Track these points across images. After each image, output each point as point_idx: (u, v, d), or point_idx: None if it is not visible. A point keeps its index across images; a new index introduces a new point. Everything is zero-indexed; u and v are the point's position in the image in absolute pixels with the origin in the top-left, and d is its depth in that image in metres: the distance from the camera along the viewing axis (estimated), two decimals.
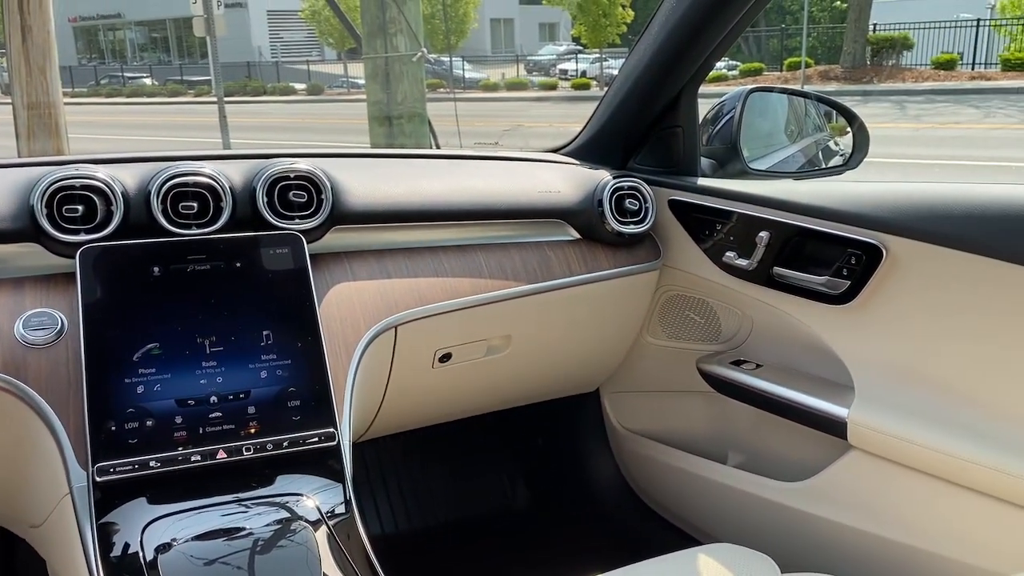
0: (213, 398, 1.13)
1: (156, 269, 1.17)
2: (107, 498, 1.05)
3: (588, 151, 1.76)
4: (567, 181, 1.62)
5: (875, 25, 22.98)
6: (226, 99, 10.79)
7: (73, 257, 1.15)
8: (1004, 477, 1.19)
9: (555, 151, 1.82)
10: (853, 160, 1.80)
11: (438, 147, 4.41)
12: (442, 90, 20.62)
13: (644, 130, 1.70)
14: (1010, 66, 20.15)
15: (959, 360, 1.27)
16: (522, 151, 1.82)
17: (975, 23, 22.43)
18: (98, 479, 1.05)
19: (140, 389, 1.10)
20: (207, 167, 1.25)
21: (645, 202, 1.61)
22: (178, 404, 1.11)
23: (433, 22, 24.03)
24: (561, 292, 1.55)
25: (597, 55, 27.22)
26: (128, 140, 16.86)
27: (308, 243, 1.28)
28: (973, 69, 21.71)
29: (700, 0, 1.45)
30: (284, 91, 29.91)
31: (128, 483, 1.06)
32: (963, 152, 10.93)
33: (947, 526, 1.29)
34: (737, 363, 1.63)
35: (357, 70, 26.45)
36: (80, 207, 1.16)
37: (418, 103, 5.68)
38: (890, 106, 17.25)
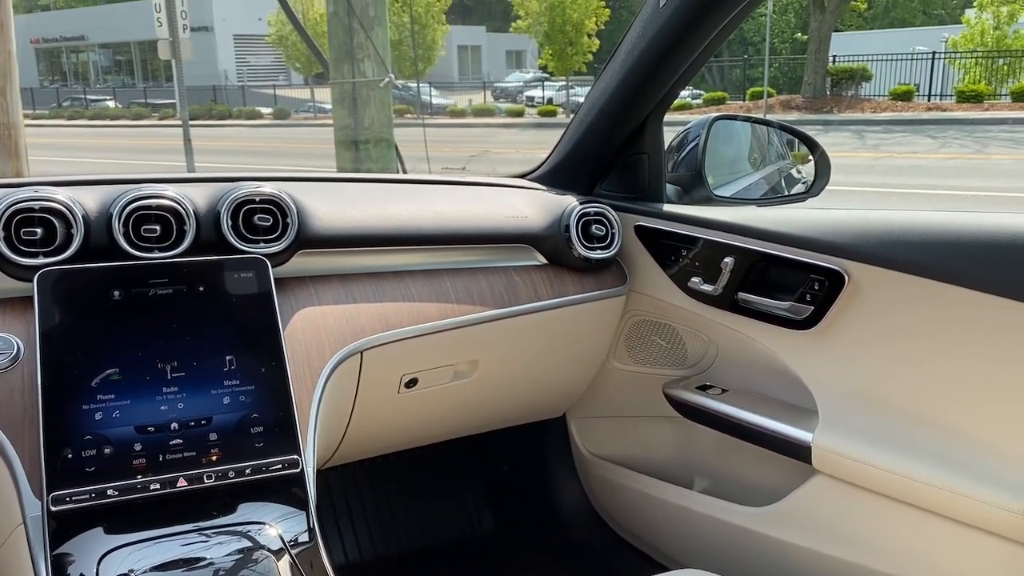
0: (174, 424, 1.11)
1: (117, 293, 1.15)
2: (62, 528, 1.02)
3: (555, 177, 1.77)
4: (534, 206, 1.62)
5: (835, 56, 23.52)
6: (191, 123, 10.70)
7: (31, 280, 1.12)
8: (965, 500, 1.20)
9: (522, 177, 1.83)
10: (815, 187, 1.83)
11: (405, 172, 4.41)
12: (409, 116, 20.69)
13: (610, 156, 1.71)
14: (964, 98, 20.72)
15: (919, 383, 1.29)
16: (489, 176, 1.82)
17: (931, 56, 23.05)
18: (53, 508, 1.02)
19: (98, 416, 1.08)
20: (170, 190, 1.23)
21: (611, 227, 1.62)
22: (137, 431, 1.09)
23: (401, 48, 24.12)
24: (528, 317, 1.55)
25: (563, 83, 27.52)
26: (90, 162, 16.64)
27: (273, 267, 1.26)
28: (929, 100, 22.29)
29: (664, 31, 1.47)
30: (250, 115, 29.79)
31: (84, 512, 1.03)
32: (921, 181, 11.17)
33: (910, 549, 1.30)
34: (703, 388, 1.64)
35: (324, 95, 26.41)
36: (39, 230, 1.14)
37: (385, 128, 5.69)
38: (850, 135, 17.61)
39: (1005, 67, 21.80)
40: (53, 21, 41.34)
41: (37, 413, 1.05)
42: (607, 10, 25.93)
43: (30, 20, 41.36)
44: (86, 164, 16.25)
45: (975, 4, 22.35)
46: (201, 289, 1.19)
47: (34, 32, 40.31)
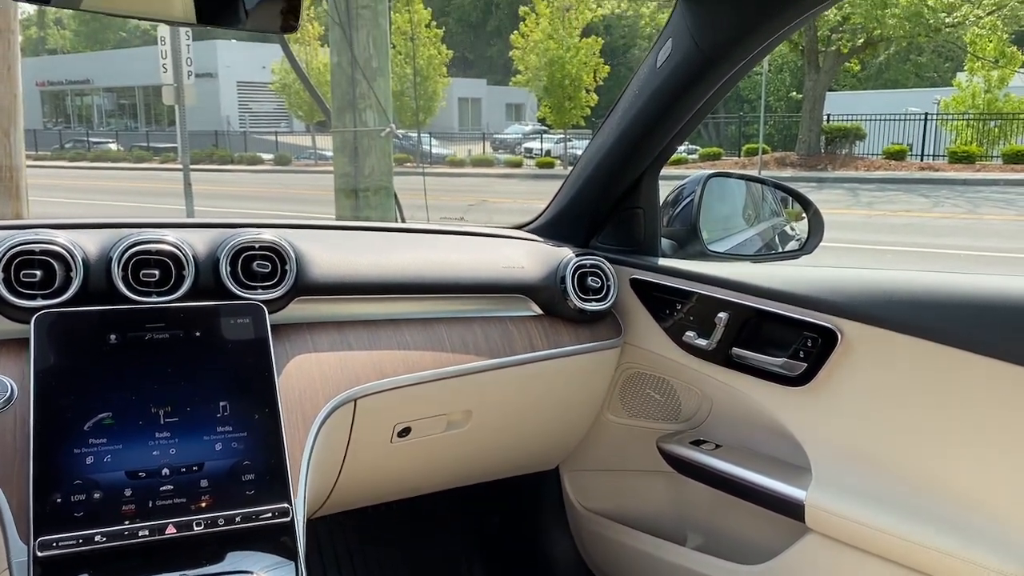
0: (165, 470, 1.10)
1: (113, 337, 1.15)
2: (48, 574, 1.01)
3: (552, 229, 1.79)
4: (530, 257, 1.64)
5: (829, 115, 23.89)
6: (192, 167, 10.79)
7: (28, 322, 1.13)
8: (957, 561, 1.20)
9: (519, 228, 1.85)
10: (809, 245, 1.85)
11: (403, 220, 4.44)
12: (409, 164, 20.86)
13: (607, 210, 1.74)
14: (956, 158, 21.01)
15: (912, 442, 1.29)
16: (486, 227, 1.84)
17: (923, 117, 23.42)
18: (39, 554, 1.01)
19: (89, 460, 1.07)
20: (170, 235, 1.24)
21: (607, 280, 1.63)
22: (128, 476, 1.08)
23: (402, 99, 24.43)
24: (523, 368, 1.55)
25: (561, 135, 27.83)
26: (90, 204, 16.72)
27: (270, 313, 1.27)
28: (922, 160, 22.57)
29: (661, 90, 1.50)
30: (251, 160, 30.03)
31: (71, 558, 1.02)
32: (914, 239, 11.26)
33: None
34: (697, 443, 1.63)
35: (325, 142, 26.67)
36: (39, 272, 1.15)
37: (385, 177, 5.74)
38: (844, 193, 17.79)
39: (996, 129, 22.15)
40: (59, 65, 41.93)
41: (28, 456, 1.05)
42: (606, 66, 26.36)
43: (37, 63, 41.94)
44: (86, 206, 16.33)
45: (966, 68, 22.78)
46: (197, 334, 1.20)
47: (40, 75, 40.81)
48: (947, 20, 21.46)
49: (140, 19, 1.19)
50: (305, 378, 1.29)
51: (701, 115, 1.57)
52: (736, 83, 1.53)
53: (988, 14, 21.02)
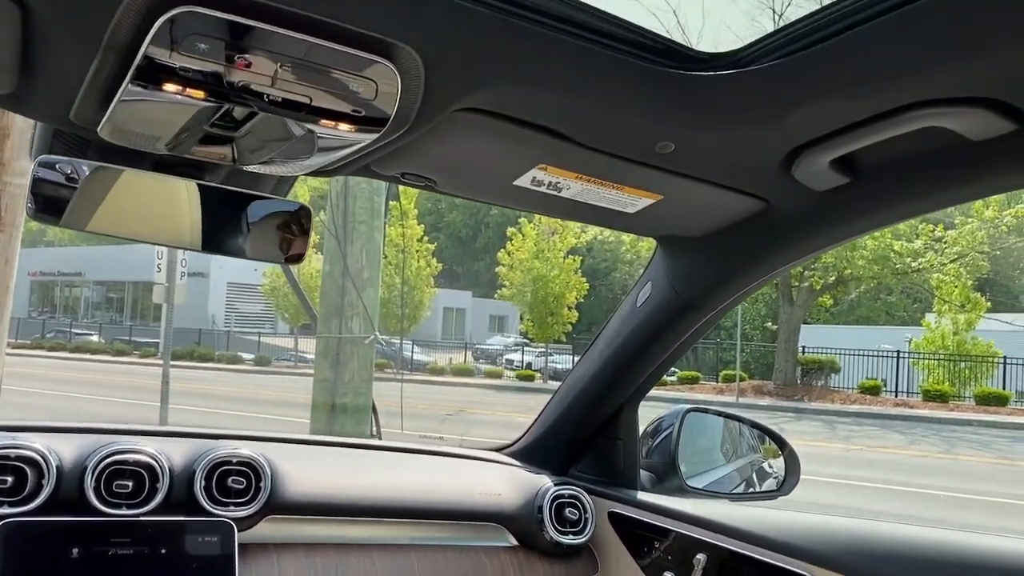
0: None
1: (76, 551, 1.11)
2: None
3: (531, 454, 1.79)
4: (508, 483, 1.62)
5: (804, 347, 24.45)
6: (172, 363, 10.78)
7: None
8: None
9: (498, 451, 1.84)
10: (786, 486, 1.85)
11: (379, 434, 4.40)
12: (389, 370, 20.92)
13: (587, 439, 1.74)
14: (930, 396, 21.31)
15: None
16: (464, 448, 1.84)
17: (895, 354, 24.01)
18: None
19: None
20: (149, 446, 1.24)
21: (584, 512, 1.61)
22: None
23: (389, 306, 24.93)
24: None
25: (543, 349, 28.23)
26: (63, 396, 16.49)
27: (239, 531, 1.24)
28: (896, 396, 22.88)
29: (641, 328, 1.56)
30: (231, 360, 30.05)
31: None
32: (893, 476, 11.19)
33: None
34: None
35: (306, 345, 26.84)
36: (10, 479, 1.13)
37: (364, 384, 5.75)
38: (821, 424, 17.87)
39: (967, 370, 22.64)
40: (55, 256, 42.82)
41: None
42: (587, 285, 27.30)
43: (33, 253, 42.84)
44: (58, 397, 16.10)
45: (935, 309, 23.66)
46: (163, 552, 1.16)
47: (34, 265, 41.53)
48: (912, 264, 22.57)
49: (147, 243, 1.26)
50: None
51: (680, 352, 1.62)
52: (713, 325, 1.60)
53: (951, 261, 22.15)
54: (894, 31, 0.80)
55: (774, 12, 19.59)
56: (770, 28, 1.40)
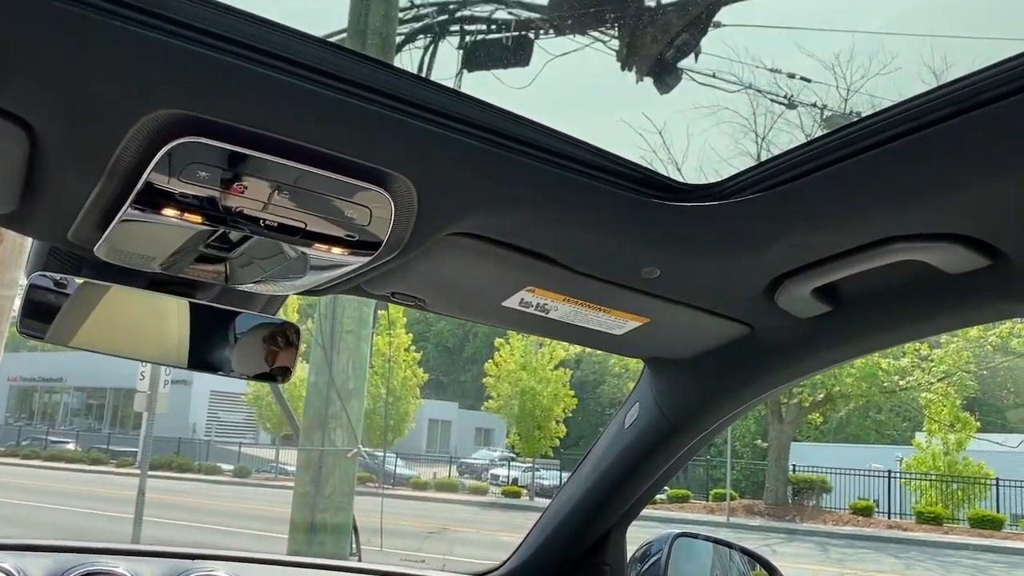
0: None
1: None
2: None
3: None
4: None
5: (795, 466, 24.13)
6: (150, 473, 10.52)
7: None
8: None
9: (483, 575, 1.79)
10: None
11: (359, 554, 4.27)
12: (371, 484, 20.46)
13: (574, 563, 1.70)
14: (923, 519, 20.91)
15: None
16: (446, 571, 1.79)
17: (887, 474, 23.69)
18: None
19: None
20: (121, 566, 1.20)
21: None
22: None
23: (373, 417, 24.60)
24: None
25: (529, 464, 27.74)
26: (31, 505, 16.00)
27: None
28: (889, 517, 22.45)
29: (629, 450, 1.55)
30: (210, 470, 29.39)
31: None
32: None
33: None
34: None
35: (287, 456, 26.32)
36: None
37: (346, 499, 5.62)
38: (814, 547, 17.45)
39: (959, 492, 22.31)
40: (36, 362, 42.31)
41: None
42: (575, 399, 27.07)
43: (14, 358, 42.34)
44: (28, 507, 15.62)
45: (925, 429, 23.50)
46: None
47: (14, 371, 40.97)
48: (900, 383, 22.58)
49: (132, 359, 1.25)
50: None
51: (670, 474, 1.60)
52: (702, 447, 1.59)
53: (939, 380, 22.16)
54: (870, 169, 0.84)
55: (757, 137, 20.19)
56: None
